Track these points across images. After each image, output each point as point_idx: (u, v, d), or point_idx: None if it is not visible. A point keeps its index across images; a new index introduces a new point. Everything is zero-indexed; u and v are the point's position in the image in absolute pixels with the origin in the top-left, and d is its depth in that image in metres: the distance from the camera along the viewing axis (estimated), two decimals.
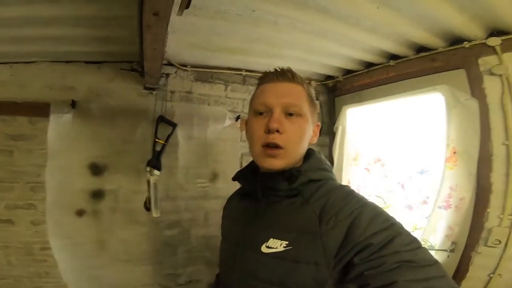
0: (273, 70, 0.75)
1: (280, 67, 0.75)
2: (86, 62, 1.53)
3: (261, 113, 0.72)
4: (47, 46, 1.31)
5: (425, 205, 1.68)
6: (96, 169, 1.51)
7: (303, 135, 0.71)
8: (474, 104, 1.26)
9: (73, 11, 1.05)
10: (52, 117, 1.40)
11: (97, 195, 1.51)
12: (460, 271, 1.26)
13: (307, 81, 0.77)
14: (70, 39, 1.27)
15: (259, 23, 1.20)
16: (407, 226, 1.59)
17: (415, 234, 1.51)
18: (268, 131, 0.68)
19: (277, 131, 0.67)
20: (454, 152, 1.33)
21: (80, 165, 1.48)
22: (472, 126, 1.26)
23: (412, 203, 1.74)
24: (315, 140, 0.78)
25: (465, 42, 1.28)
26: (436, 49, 1.38)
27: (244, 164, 1.59)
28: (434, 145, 1.63)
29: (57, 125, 1.41)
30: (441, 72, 1.40)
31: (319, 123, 0.80)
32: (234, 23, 1.19)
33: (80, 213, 1.47)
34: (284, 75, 0.73)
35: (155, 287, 1.61)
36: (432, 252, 1.33)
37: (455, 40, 1.32)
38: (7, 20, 1.05)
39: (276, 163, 0.69)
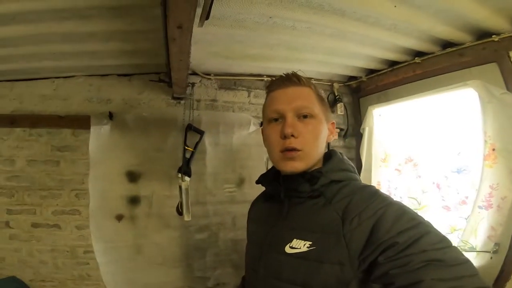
0: (278, 77, 0.77)
1: (285, 73, 0.77)
2: (118, 75, 1.65)
3: (275, 120, 0.74)
4: (83, 60, 1.44)
5: (464, 206, 1.58)
6: (132, 177, 1.61)
7: (318, 135, 0.72)
8: (510, 98, 1.19)
9: (103, 27, 1.14)
10: (93, 129, 1.53)
11: (134, 201, 1.60)
12: (504, 273, 1.18)
13: (313, 82, 0.78)
14: (103, 54, 1.39)
15: (277, 29, 1.22)
16: (445, 227, 1.52)
17: (453, 236, 1.43)
18: (284, 136, 0.70)
19: (292, 135, 0.69)
20: (493, 149, 1.26)
21: (118, 173, 1.59)
22: (510, 121, 1.19)
23: (450, 203, 1.64)
24: (332, 138, 0.79)
25: (493, 36, 1.22)
26: (463, 44, 1.33)
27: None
28: (470, 142, 1.53)
29: (97, 136, 1.54)
30: (471, 67, 1.34)
31: (334, 121, 0.81)
32: (253, 30, 1.22)
33: (119, 218, 1.57)
34: (290, 79, 0.74)
35: None
36: (473, 254, 1.25)
37: (482, 34, 1.27)
38: (46, 36, 1.17)
39: (296, 165, 0.70)
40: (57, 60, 1.40)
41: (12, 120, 1.51)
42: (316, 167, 0.73)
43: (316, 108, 0.73)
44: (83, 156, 1.55)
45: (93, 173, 1.52)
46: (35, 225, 1.51)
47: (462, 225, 1.45)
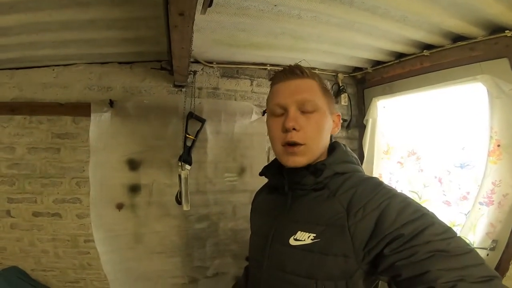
0: (281, 69, 0.75)
1: (289, 65, 0.74)
2: (120, 63, 1.62)
3: (278, 113, 0.72)
4: (83, 48, 1.40)
5: (465, 201, 1.57)
6: (133, 165, 1.60)
7: (321, 129, 0.71)
8: None
9: (102, 14, 1.11)
10: (93, 116, 1.51)
11: (134, 189, 1.60)
12: (500, 270, 1.19)
13: (317, 72, 0.76)
14: (104, 41, 1.35)
15: (282, 17, 1.19)
16: (444, 222, 1.52)
17: None
18: (286, 130, 0.69)
19: (294, 128, 0.68)
20: (498, 145, 1.25)
21: (118, 161, 1.58)
22: None
23: (451, 198, 1.64)
24: (337, 130, 0.78)
25: (506, 31, 1.19)
26: (474, 38, 1.30)
27: (271, 158, 1.59)
28: (475, 138, 1.51)
29: (98, 123, 1.52)
30: (480, 61, 1.31)
31: (339, 113, 0.79)
32: (257, 18, 1.19)
33: (119, 206, 1.57)
34: (293, 72, 0.73)
35: (185, 279, 1.68)
36: None
37: (495, 29, 1.23)
38: (46, 24, 1.14)
39: (299, 160, 0.69)
40: (57, 48, 1.36)
41: (12, 108, 1.49)
42: (319, 160, 0.73)
43: (320, 101, 0.71)
44: (84, 143, 1.54)
45: (94, 160, 1.51)
46: (36, 214, 1.51)
47: (462, 220, 1.46)
